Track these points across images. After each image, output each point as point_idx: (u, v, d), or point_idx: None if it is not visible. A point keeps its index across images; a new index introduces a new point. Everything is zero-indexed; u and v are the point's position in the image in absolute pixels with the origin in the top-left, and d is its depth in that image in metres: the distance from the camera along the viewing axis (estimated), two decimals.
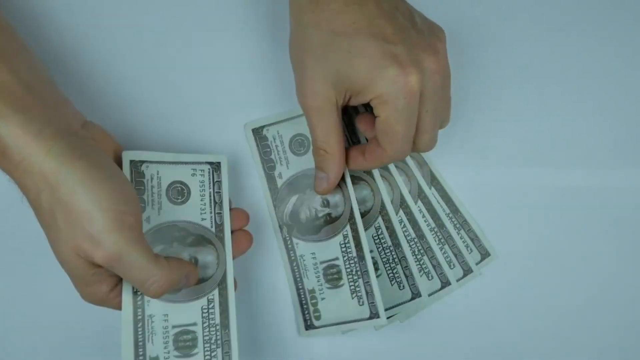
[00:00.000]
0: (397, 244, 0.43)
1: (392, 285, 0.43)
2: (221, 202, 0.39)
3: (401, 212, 0.44)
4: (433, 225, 0.45)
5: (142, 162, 0.38)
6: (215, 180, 0.40)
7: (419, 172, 0.45)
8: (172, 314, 0.37)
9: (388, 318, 0.43)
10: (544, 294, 0.45)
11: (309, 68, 0.36)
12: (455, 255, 0.44)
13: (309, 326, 0.41)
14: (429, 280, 0.44)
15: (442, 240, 0.44)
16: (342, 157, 0.38)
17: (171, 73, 0.44)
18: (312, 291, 0.41)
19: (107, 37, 0.44)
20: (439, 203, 0.45)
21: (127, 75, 0.44)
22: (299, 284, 0.42)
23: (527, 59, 0.46)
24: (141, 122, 0.43)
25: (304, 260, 0.42)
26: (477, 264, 0.44)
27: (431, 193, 0.45)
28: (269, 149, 0.43)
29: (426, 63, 0.34)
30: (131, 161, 0.38)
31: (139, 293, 0.36)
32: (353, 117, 0.43)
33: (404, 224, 0.44)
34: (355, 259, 0.40)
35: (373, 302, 0.40)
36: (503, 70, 0.46)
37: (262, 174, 0.43)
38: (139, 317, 0.36)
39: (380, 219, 0.44)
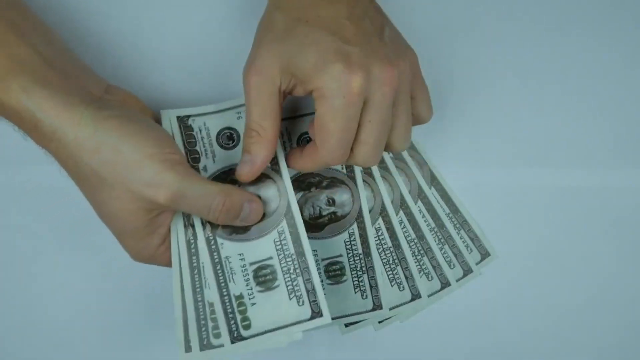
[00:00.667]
0: (397, 245, 0.43)
1: (392, 286, 0.43)
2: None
3: (401, 212, 0.44)
4: (433, 225, 0.45)
5: (188, 116, 0.40)
6: None
7: (419, 172, 0.45)
8: (247, 253, 0.38)
9: (387, 319, 0.43)
10: (544, 294, 0.45)
11: (265, 46, 0.35)
12: (455, 255, 0.44)
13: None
14: (429, 280, 0.44)
15: (442, 241, 0.44)
16: (273, 143, 0.36)
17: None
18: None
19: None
20: (439, 203, 0.45)
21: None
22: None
23: (527, 59, 0.46)
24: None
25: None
26: (477, 264, 0.45)
27: (431, 193, 0.45)
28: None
29: (377, 71, 0.34)
30: (178, 117, 0.40)
31: (210, 238, 0.38)
32: (299, 123, 0.43)
33: (404, 225, 0.44)
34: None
35: (377, 295, 0.41)
36: (503, 70, 0.46)
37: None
38: (216, 260, 0.37)
39: (380, 220, 0.44)
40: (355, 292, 0.41)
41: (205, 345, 0.36)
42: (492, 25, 0.46)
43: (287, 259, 0.38)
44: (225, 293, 0.38)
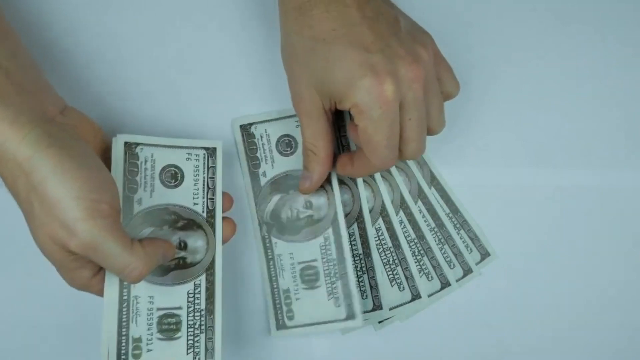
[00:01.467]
0: (397, 245, 0.43)
1: (392, 286, 0.43)
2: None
3: (401, 212, 0.44)
4: (433, 225, 0.45)
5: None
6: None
7: (419, 172, 0.45)
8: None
9: (387, 319, 0.43)
10: (544, 293, 0.45)
11: (295, 74, 0.37)
12: (455, 255, 0.44)
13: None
14: (429, 281, 0.44)
15: (442, 241, 0.44)
16: (327, 160, 0.39)
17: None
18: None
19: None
20: (438, 203, 0.45)
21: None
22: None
23: (527, 59, 0.46)
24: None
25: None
26: (477, 264, 0.45)
27: (431, 193, 0.45)
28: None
29: (404, 72, 0.34)
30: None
31: (267, 237, 0.39)
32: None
33: (404, 225, 0.44)
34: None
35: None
36: (503, 70, 0.46)
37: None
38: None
39: (380, 220, 0.44)
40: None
41: None
42: (492, 25, 0.46)
43: (330, 263, 0.41)
44: (275, 286, 0.41)
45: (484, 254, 0.45)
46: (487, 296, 0.44)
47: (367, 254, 0.43)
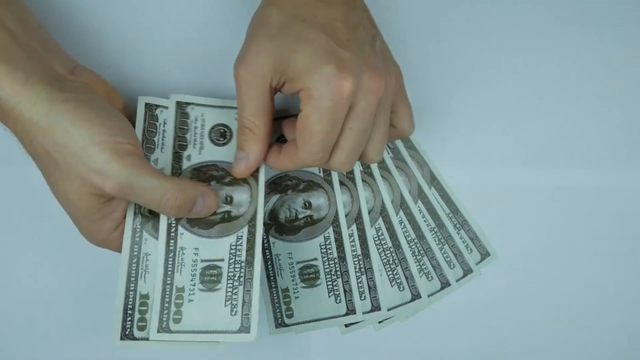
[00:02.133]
0: (397, 245, 0.43)
1: (392, 286, 0.43)
2: None
3: (401, 212, 0.44)
4: (433, 225, 0.45)
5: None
6: None
7: (419, 172, 0.45)
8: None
9: (387, 319, 0.43)
10: (544, 293, 0.45)
11: (258, 41, 0.35)
12: (455, 255, 0.44)
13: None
14: (429, 281, 0.44)
15: (442, 241, 0.44)
16: (266, 140, 0.37)
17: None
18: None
19: None
20: (438, 203, 0.45)
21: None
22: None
23: (527, 59, 0.46)
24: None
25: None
26: (477, 264, 0.45)
27: (431, 193, 0.45)
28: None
29: (366, 79, 0.34)
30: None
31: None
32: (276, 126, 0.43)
33: (404, 225, 0.44)
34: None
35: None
36: (503, 70, 0.46)
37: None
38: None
39: (380, 220, 0.44)
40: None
41: (126, 336, 0.37)
42: (493, 25, 0.46)
43: (330, 262, 0.41)
44: (273, 286, 0.42)
45: (484, 254, 0.45)
46: (487, 296, 0.44)
47: (366, 254, 0.43)
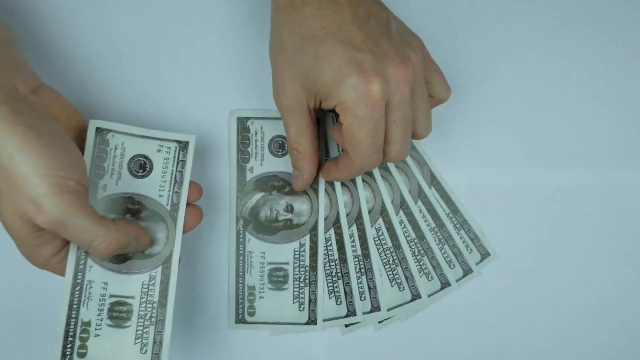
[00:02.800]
0: (397, 245, 0.43)
1: (392, 286, 0.43)
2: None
3: (401, 212, 0.44)
4: (433, 225, 0.45)
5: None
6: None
7: (419, 172, 0.45)
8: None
9: (387, 319, 0.43)
10: (544, 294, 0.45)
11: (281, 69, 0.37)
12: (455, 255, 0.44)
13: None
14: (429, 281, 0.44)
15: (442, 241, 0.44)
16: (314, 157, 0.39)
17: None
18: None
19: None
20: (439, 203, 0.45)
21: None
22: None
23: (527, 59, 0.46)
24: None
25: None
26: (477, 264, 0.45)
27: (431, 193, 0.45)
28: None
29: (392, 73, 0.34)
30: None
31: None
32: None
33: (404, 225, 0.44)
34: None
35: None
36: (503, 70, 0.46)
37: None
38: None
39: (380, 220, 0.44)
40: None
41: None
42: (492, 25, 0.46)
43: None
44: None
45: (484, 254, 0.45)
46: (487, 296, 0.44)
47: (366, 255, 0.43)
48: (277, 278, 0.42)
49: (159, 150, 0.39)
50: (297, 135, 0.38)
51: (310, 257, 0.42)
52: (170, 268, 0.38)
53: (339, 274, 0.43)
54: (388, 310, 0.43)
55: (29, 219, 0.32)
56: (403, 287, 0.43)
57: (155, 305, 0.38)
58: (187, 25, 0.44)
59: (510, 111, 0.46)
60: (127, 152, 0.39)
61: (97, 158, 0.38)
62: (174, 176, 0.39)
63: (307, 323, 0.42)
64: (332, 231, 0.43)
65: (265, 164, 0.43)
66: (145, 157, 0.39)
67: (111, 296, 0.37)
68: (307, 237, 0.42)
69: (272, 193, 0.43)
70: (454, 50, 0.46)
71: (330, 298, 0.42)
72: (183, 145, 0.40)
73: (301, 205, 0.43)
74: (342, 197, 0.43)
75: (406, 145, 0.37)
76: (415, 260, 0.44)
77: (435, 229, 0.45)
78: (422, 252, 0.44)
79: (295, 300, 0.42)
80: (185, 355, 0.43)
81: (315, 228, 0.42)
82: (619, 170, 0.46)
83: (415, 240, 0.44)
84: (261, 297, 0.42)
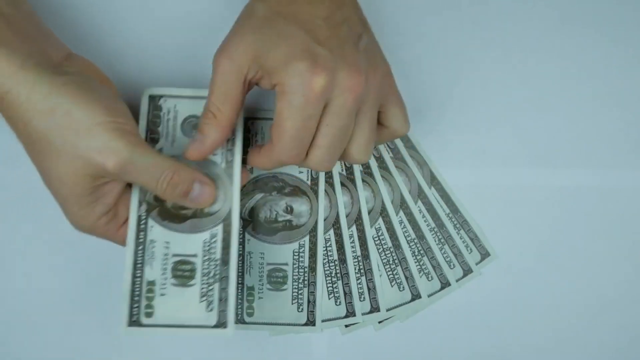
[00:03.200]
0: (397, 245, 0.43)
1: (392, 286, 0.43)
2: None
3: (401, 212, 0.44)
4: (433, 225, 0.45)
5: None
6: None
7: (419, 172, 0.45)
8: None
9: (387, 319, 0.43)
10: (544, 294, 0.45)
11: (241, 32, 0.35)
12: (455, 255, 0.44)
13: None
14: (429, 281, 0.44)
15: (442, 241, 0.44)
16: (227, 128, 0.36)
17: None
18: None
19: None
20: (438, 203, 0.45)
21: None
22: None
23: (527, 58, 0.46)
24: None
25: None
26: (477, 264, 0.45)
27: (431, 193, 0.45)
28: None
29: (342, 77, 0.33)
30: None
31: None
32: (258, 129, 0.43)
33: (404, 225, 0.44)
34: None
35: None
36: (503, 70, 0.46)
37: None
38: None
39: (380, 220, 0.44)
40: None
41: (134, 322, 0.37)
42: (492, 25, 0.46)
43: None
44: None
45: (484, 254, 0.45)
46: (487, 296, 0.44)
47: (366, 256, 0.43)
48: (276, 279, 0.42)
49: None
50: (220, 99, 0.35)
51: (309, 257, 0.42)
52: (230, 225, 0.38)
53: (339, 275, 0.43)
54: (387, 310, 0.43)
55: (96, 169, 0.33)
56: (403, 287, 0.43)
57: (218, 262, 0.37)
58: None
59: (510, 111, 0.46)
60: (180, 114, 0.40)
61: (151, 123, 0.39)
62: None
63: (306, 324, 0.42)
64: (331, 232, 0.43)
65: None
66: (197, 117, 0.40)
67: (174, 255, 0.37)
68: (307, 238, 0.42)
69: (272, 194, 0.43)
70: (453, 50, 0.46)
71: (329, 299, 0.42)
72: None
73: (301, 206, 0.43)
74: (342, 197, 0.43)
75: (331, 156, 0.36)
76: (415, 260, 0.44)
77: (435, 229, 0.45)
78: (422, 252, 0.44)
79: (294, 301, 0.42)
80: (184, 355, 0.43)
81: (314, 229, 0.42)
82: (619, 170, 0.46)
83: (415, 240, 0.44)
84: (260, 298, 0.42)
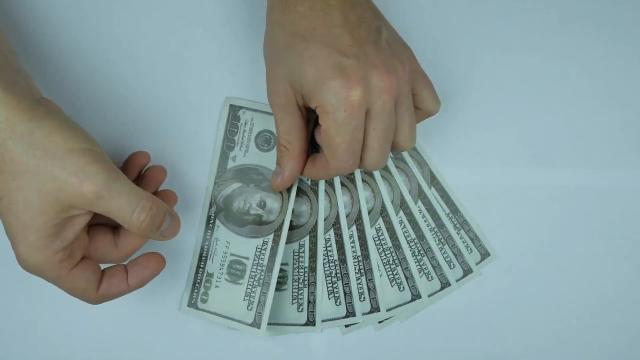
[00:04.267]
0: (397, 245, 0.43)
1: (392, 286, 0.43)
2: None
3: (401, 212, 0.44)
4: (433, 225, 0.45)
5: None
6: None
7: (419, 172, 0.45)
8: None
9: (387, 319, 0.43)
10: (544, 294, 0.45)
11: (272, 67, 0.37)
12: (455, 255, 0.44)
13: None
14: (429, 281, 0.44)
15: (442, 241, 0.44)
16: (300, 157, 0.39)
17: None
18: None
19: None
20: (438, 203, 0.45)
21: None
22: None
23: (527, 58, 0.46)
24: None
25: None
26: (477, 264, 0.45)
27: (431, 193, 0.45)
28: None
29: (375, 81, 0.34)
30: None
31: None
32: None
33: (404, 225, 0.44)
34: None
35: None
36: (503, 70, 0.46)
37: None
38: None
39: (380, 220, 0.44)
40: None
41: (192, 304, 0.42)
42: (492, 25, 0.46)
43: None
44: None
45: (484, 254, 0.45)
46: (487, 296, 0.44)
47: (366, 256, 0.43)
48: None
49: None
50: (287, 133, 0.38)
51: (309, 258, 0.42)
52: (280, 236, 0.41)
53: (339, 275, 0.43)
54: (387, 310, 0.43)
55: (67, 194, 0.32)
56: (403, 287, 0.43)
57: (264, 268, 0.42)
58: (189, 23, 0.45)
59: (510, 111, 0.46)
60: (256, 127, 0.43)
61: (229, 132, 0.43)
62: None
63: (305, 324, 0.42)
64: (331, 232, 0.43)
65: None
66: (271, 132, 0.43)
67: (231, 254, 0.42)
68: (307, 238, 0.42)
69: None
70: (453, 50, 0.46)
71: (329, 299, 0.42)
72: None
73: (300, 206, 0.43)
74: (342, 197, 0.43)
75: (384, 154, 0.37)
76: (415, 260, 0.44)
77: (435, 229, 0.45)
78: (422, 252, 0.44)
79: (294, 301, 0.42)
80: (184, 354, 0.43)
81: (315, 229, 0.42)
82: (619, 170, 0.46)
83: (415, 240, 0.44)
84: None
